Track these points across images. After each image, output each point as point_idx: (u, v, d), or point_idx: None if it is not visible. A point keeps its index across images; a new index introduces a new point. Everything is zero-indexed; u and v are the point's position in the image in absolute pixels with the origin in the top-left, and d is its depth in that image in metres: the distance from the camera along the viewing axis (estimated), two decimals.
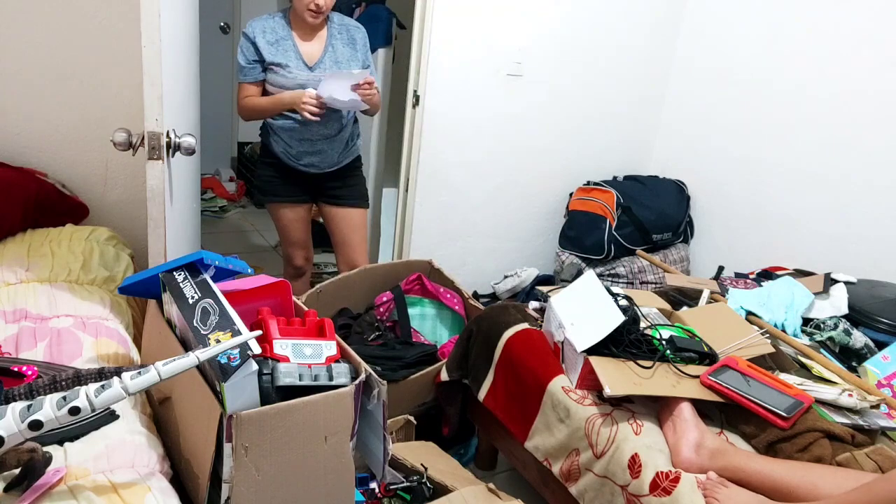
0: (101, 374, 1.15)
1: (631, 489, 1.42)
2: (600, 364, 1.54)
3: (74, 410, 0.94)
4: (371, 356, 1.94)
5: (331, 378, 1.17)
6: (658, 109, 3.30)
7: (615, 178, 3.22)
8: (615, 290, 1.88)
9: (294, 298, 1.42)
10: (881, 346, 1.93)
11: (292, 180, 2.35)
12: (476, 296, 2.89)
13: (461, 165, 2.86)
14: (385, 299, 2.24)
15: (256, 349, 1.08)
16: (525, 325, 1.87)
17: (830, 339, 1.97)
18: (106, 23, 2.08)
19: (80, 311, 1.59)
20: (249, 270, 1.42)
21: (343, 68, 2.25)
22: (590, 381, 1.58)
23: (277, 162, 2.34)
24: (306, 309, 1.36)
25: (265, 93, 2.27)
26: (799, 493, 1.28)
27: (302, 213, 2.45)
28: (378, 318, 2.20)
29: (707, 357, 1.65)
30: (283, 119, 2.27)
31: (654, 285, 2.84)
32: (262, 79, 2.25)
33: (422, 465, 1.64)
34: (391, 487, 1.59)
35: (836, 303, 2.11)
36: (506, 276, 3.05)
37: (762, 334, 1.82)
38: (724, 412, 1.55)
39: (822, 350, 1.91)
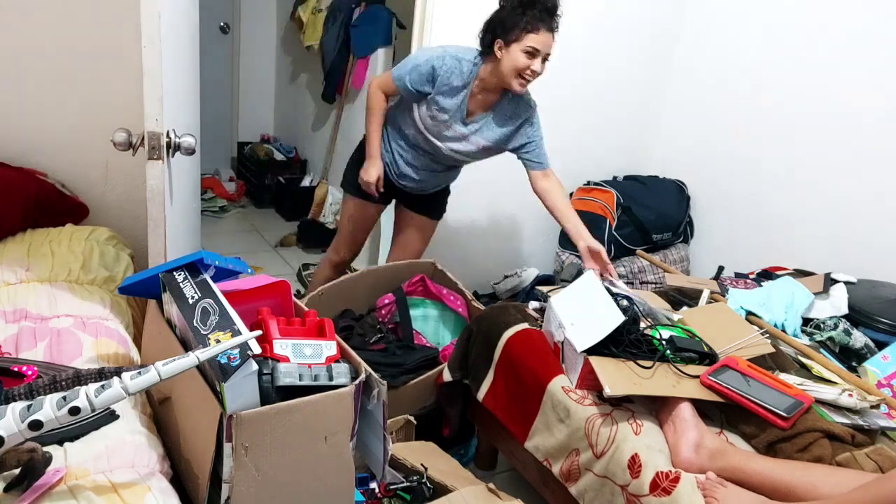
0: (101, 374, 1.15)
1: (631, 489, 1.42)
2: (600, 364, 1.54)
3: (74, 410, 0.94)
4: (372, 362, 1.93)
5: (331, 378, 1.17)
6: (658, 109, 3.30)
7: (615, 178, 3.22)
8: (619, 285, 1.88)
9: (294, 299, 1.43)
10: (881, 346, 1.93)
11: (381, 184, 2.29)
12: (476, 296, 2.89)
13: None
14: (387, 301, 2.24)
15: (256, 349, 1.08)
16: (525, 325, 1.87)
17: (830, 339, 1.97)
18: (106, 23, 2.07)
19: (80, 311, 1.59)
20: (249, 270, 1.42)
21: (493, 133, 2.15)
22: (590, 381, 1.58)
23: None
24: (306, 309, 1.37)
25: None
26: (799, 494, 1.28)
27: (373, 212, 2.44)
28: (380, 320, 2.19)
29: (707, 357, 1.65)
30: (403, 141, 2.25)
31: (654, 285, 2.84)
32: (411, 92, 2.11)
33: (422, 465, 1.64)
34: (391, 487, 1.59)
35: (836, 303, 2.11)
36: (506, 276, 3.05)
37: (762, 334, 1.82)
38: (724, 412, 1.55)
39: (822, 350, 1.91)
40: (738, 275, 2.60)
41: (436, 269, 2.46)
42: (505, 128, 2.16)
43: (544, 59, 2.00)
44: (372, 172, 2.20)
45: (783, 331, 1.97)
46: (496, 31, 1.98)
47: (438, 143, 2.17)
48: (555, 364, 1.70)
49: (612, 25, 2.99)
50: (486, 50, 2.03)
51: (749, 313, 2.02)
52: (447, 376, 1.99)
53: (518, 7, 1.93)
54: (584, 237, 2.09)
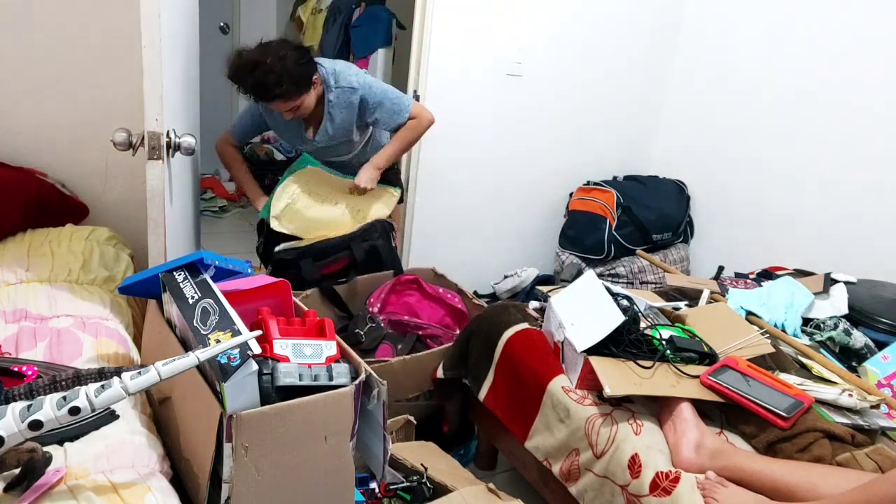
0: (101, 374, 1.15)
1: (631, 489, 1.42)
2: (600, 364, 1.54)
3: (74, 410, 0.94)
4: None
5: (331, 378, 1.17)
6: (658, 109, 3.30)
7: (615, 178, 3.22)
8: (616, 289, 1.88)
9: (294, 299, 1.42)
10: (881, 346, 1.93)
11: None
12: (476, 296, 2.89)
13: (461, 165, 2.86)
14: (374, 297, 2.26)
15: (256, 349, 1.08)
16: (525, 325, 1.87)
17: (830, 339, 1.97)
18: (106, 23, 2.07)
19: (80, 311, 1.58)
20: (249, 270, 1.42)
21: (339, 136, 2.25)
22: (590, 381, 1.58)
23: None
24: (306, 309, 1.36)
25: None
26: (799, 494, 1.28)
27: None
28: (369, 310, 2.21)
29: (707, 357, 1.65)
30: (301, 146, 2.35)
31: (654, 285, 2.84)
32: (249, 139, 2.32)
33: (422, 465, 1.64)
34: (391, 487, 1.59)
35: (836, 303, 2.11)
36: (506, 276, 3.05)
37: (762, 334, 1.82)
38: (724, 412, 1.55)
39: (822, 350, 1.91)
40: (738, 275, 2.60)
41: (435, 275, 2.47)
42: (343, 117, 2.21)
43: (292, 108, 2.09)
44: (258, 202, 2.31)
45: (783, 331, 1.97)
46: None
47: (334, 158, 2.33)
48: (555, 364, 1.70)
49: (612, 25, 2.99)
50: None
51: (749, 313, 2.02)
52: (441, 373, 1.99)
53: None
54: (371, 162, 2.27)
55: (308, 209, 2.22)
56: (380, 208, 2.33)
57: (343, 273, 2.28)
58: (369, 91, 2.20)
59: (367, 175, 2.25)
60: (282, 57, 1.96)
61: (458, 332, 2.22)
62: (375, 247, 2.28)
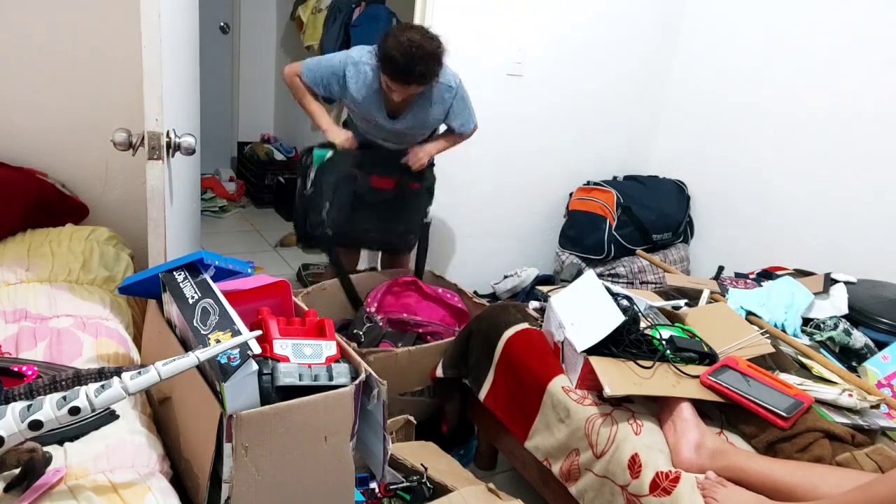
0: (101, 374, 1.15)
1: (631, 489, 1.42)
2: (600, 364, 1.54)
3: (74, 410, 0.94)
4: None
5: (331, 378, 1.17)
6: (658, 109, 3.30)
7: (615, 178, 3.22)
8: (616, 289, 1.88)
9: (294, 298, 1.43)
10: (881, 346, 1.93)
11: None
12: (476, 296, 2.89)
13: (461, 165, 2.86)
14: (370, 297, 2.26)
15: (256, 349, 1.08)
16: (525, 325, 1.87)
17: (830, 339, 1.97)
18: (106, 23, 2.07)
19: (80, 311, 1.59)
20: (249, 270, 1.42)
21: (419, 126, 2.25)
22: (590, 381, 1.58)
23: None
24: (306, 309, 1.37)
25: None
26: (799, 494, 1.28)
27: (355, 258, 2.56)
28: (366, 311, 2.22)
29: (707, 357, 1.65)
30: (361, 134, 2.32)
31: (654, 285, 2.84)
32: (317, 92, 2.21)
33: (422, 465, 1.64)
34: (391, 487, 1.59)
35: (836, 303, 2.11)
36: (506, 276, 3.05)
37: (762, 334, 1.82)
38: (724, 412, 1.55)
39: (822, 350, 1.91)
40: (738, 275, 2.60)
41: (434, 276, 2.47)
42: (434, 110, 2.22)
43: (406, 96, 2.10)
44: (340, 134, 2.21)
45: (783, 331, 1.97)
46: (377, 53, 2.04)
47: (383, 138, 2.28)
48: (555, 364, 1.70)
49: (613, 25, 2.99)
50: None
51: (749, 313, 2.02)
52: (440, 372, 2.00)
53: (382, 57, 2.01)
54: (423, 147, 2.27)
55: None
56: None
57: (384, 196, 2.25)
58: (461, 93, 2.24)
59: (419, 156, 2.25)
60: (439, 45, 2.02)
61: (458, 329, 2.23)
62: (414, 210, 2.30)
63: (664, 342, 1.64)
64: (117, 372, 1.14)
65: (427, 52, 1.97)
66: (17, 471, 0.99)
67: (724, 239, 3.07)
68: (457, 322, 2.31)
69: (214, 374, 1.08)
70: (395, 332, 2.19)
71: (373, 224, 2.25)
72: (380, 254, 2.71)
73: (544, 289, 2.01)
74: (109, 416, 1.20)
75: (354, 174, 2.21)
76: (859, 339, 1.97)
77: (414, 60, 1.95)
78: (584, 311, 1.70)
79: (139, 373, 0.99)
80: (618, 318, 1.60)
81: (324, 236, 2.20)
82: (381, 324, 2.19)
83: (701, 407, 1.52)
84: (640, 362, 1.57)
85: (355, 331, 2.14)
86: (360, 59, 2.13)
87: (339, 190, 2.19)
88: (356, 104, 2.19)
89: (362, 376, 1.20)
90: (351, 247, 2.37)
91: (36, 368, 1.25)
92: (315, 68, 2.17)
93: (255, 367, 1.08)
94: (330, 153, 2.20)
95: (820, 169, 2.64)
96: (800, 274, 2.40)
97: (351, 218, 2.22)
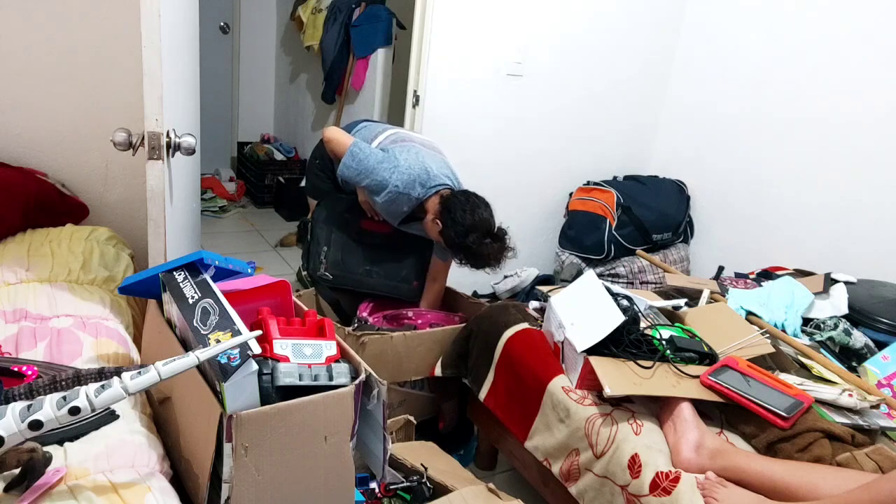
0: (101, 374, 1.15)
1: (631, 489, 1.42)
2: (600, 364, 1.54)
3: (74, 410, 0.94)
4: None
5: (331, 378, 1.17)
6: (658, 109, 3.30)
7: (615, 178, 3.22)
8: (616, 289, 1.88)
9: (294, 298, 1.43)
10: (881, 346, 1.93)
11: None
12: (476, 296, 2.89)
13: (461, 165, 2.85)
14: (363, 307, 2.26)
15: (256, 349, 1.08)
16: (525, 325, 1.87)
17: (830, 339, 1.97)
18: (106, 23, 2.07)
19: (80, 311, 1.58)
20: (249, 270, 1.42)
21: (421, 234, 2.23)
22: (590, 381, 1.58)
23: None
24: (306, 309, 1.37)
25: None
26: (799, 494, 1.28)
27: None
28: (358, 315, 2.21)
29: (707, 357, 1.65)
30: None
31: (654, 285, 2.84)
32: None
33: (422, 465, 1.64)
34: (391, 487, 1.59)
35: (836, 303, 2.11)
36: (506, 276, 3.05)
37: (762, 334, 1.82)
38: (724, 412, 1.55)
39: (822, 350, 1.91)
40: (738, 275, 2.60)
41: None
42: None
43: None
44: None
45: (783, 331, 1.97)
46: (445, 228, 2.01)
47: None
48: (555, 364, 1.70)
49: (613, 25, 2.99)
50: (440, 207, 2.03)
51: (749, 313, 2.02)
52: (438, 371, 2.00)
53: (463, 257, 2.03)
54: None
55: None
56: None
57: (379, 239, 2.23)
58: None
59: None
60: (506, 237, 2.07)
61: (457, 318, 2.21)
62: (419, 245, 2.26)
63: (664, 342, 1.64)
64: (117, 372, 1.14)
65: (504, 255, 2.04)
66: (17, 471, 0.99)
67: (724, 239, 3.07)
68: (455, 317, 2.29)
69: (214, 374, 1.08)
70: (390, 328, 2.17)
71: (373, 266, 2.23)
72: None
73: (544, 289, 2.01)
74: (109, 416, 1.20)
75: (346, 218, 2.22)
76: (859, 339, 1.97)
77: (493, 265, 2.03)
78: (584, 311, 1.70)
79: (139, 373, 0.99)
80: (618, 318, 1.60)
81: (324, 278, 2.20)
82: (371, 322, 2.17)
83: (701, 407, 1.52)
84: (640, 362, 1.57)
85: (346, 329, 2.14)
86: (403, 189, 2.03)
87: (335, 233, 2.21)
88: (372, 203, 2.13)
89: (362, 376, 1.20)
90: (354, 290, 2.25)
91: (36, 368, 1.25)
92: (352, 169, 2.04)
93: (255, 367, 1.08)
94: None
95: (820, 169, 2.64)
96: (800, 274, 2.40)
97: (349, 260, 2.21)
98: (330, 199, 2.28)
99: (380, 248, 2.24)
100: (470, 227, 1.97)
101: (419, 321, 2.18)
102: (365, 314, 2.22)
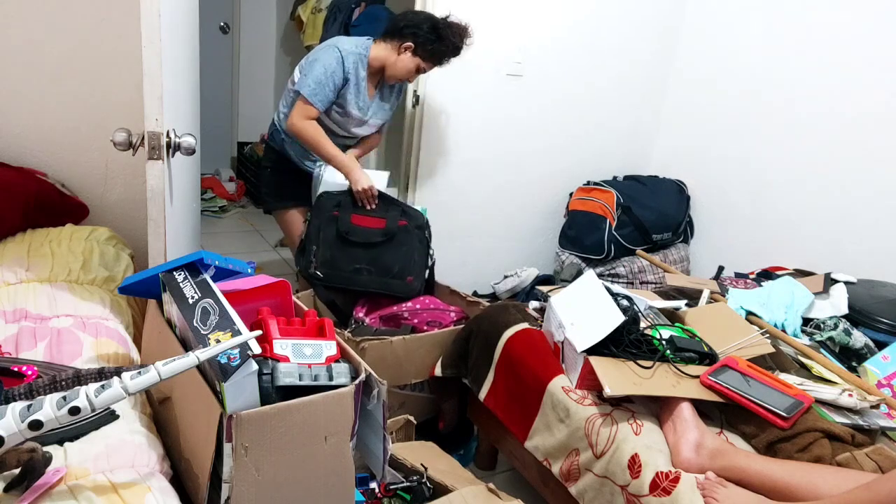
0: (101, 374, 1.15)
1: (631, 489, 1.42)
2: (600, 364, 1.54)
3: (74, 410, 0.94)
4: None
5: (331, 378, 1.17)
6: (658, 109, 3.30)
7: (615, 178, 3.22)
8: (616, 289, 1.88)
9: (294, 298, 1.42)
10: (881, 346, 1.93)
11: (299, 181, 2.42)
12: (476, 296, 2.89)
13: (461, 165, 2.86)
14: (359, 307, 2.25)
15: (256, 349, 1.08)
16: (525, 325, 1.87)
17: (830, 339, 1.97)
18: (106, 23, 2.07)
19: (80, 311, 1.58)
20: (249, 270, 1.42)
21: (378, 114, 2.38)
22: (590, 381, 1.58)
23: (287, 167, 2.40)
24: (306, 309, 1.37)
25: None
26: (799, 494, 1.28)
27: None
28: (355, 316, 2.21)
29: (707, 357, 1.65)
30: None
31: (654, 285, 2.84)
32: (329, 106, 2.27)
33: (422, 465, 1.64)
34: (391, 487, 1.59)
35: (836, 303, 2.11)
36: (506, 276, 3.05)
37: (762, 334, 1.82)
38: (724, 412, 1.55)
39: (822, 350, 1.91)
40: (738, 275, 2.60)
41: (450, 293, 2.45)
42: (389, 102, 2.41)
43: None
44: (363, 179, 2.24)
45: (783, 331, 1.97)
46: (416, 41, 2.21)
47: (343, 133, 2.37)
48: (555, 364, 1.70)
49: (613, 25, 2.99)
50: (391, 39, 2.25)
51: (749, 313, 2.02)
52: (438, 371, 2.00)
53: (445, 49, 2.24)
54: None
55: None
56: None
57: (369, 236, 2.25)
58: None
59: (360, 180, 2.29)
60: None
61: (452, 313, 2.21)
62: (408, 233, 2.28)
63: (664, 342, 1.64)
64: (117, 372, 1.14)
65: (468, 31, 2.26)
66: (17, 471, 0.99)
67: (723, 239, 3.07)
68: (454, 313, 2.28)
69: (214, 374, 1.08)
70: (387, 328, 2.17)
71: (364, 264, 2.23)
72: None
73: (544, 289, 2.01)
74: (109, 416, 1.20)
75: (336, 215, 2.23)
76: (859, 339, 1.97)
77: (465, 42, 2.26)
78: (584, 311, 1.70)
79: (139, 373, 0.99)
80: (618, 318, 1.60)
81: (315, 276, 2.20)
82: (368, 323, 2.17)
83: (701, 407, 1.52)
84: (640, 362, 1.57)
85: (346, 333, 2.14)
86: (355, 49, 2.23)
87: (324, 231, 2.21)
88: (346, 101, 2.26)
89: (362, 376, 1.20)
90: (346, 287, 2.26)
91: (36, 368, 1.25)
92: (321, 90, 2.19)
93: (255, 367, 1.08)
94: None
95: (820, 169, 2.64)
96: (800, 274, 2.40)
97: (338, 258, 2.21)
98: (320, 199, 2.27)
99: (371, 245, 2.24)
100: (428, 22, 2.21)
101: (416, 320, 2.18)
102: (361, 315, 2.22)
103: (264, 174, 2.48)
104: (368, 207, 2.25)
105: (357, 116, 2.30)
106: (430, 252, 2.33)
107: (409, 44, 2.21)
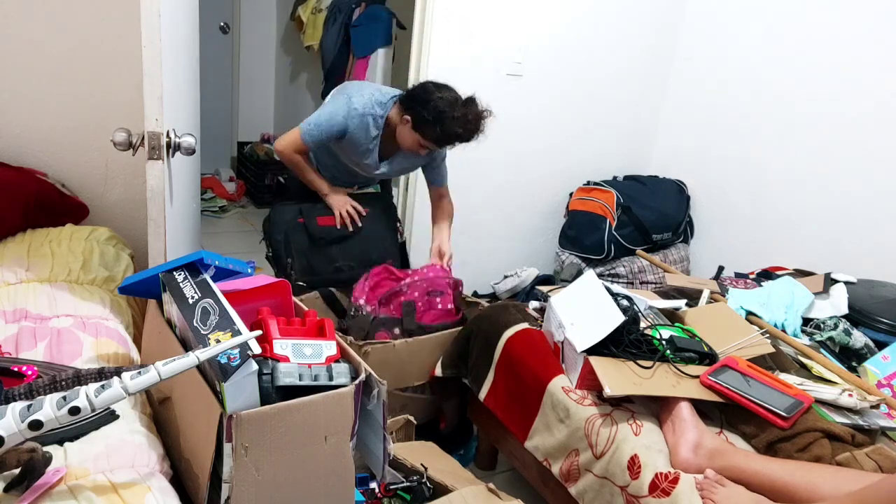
0: (101, 374, 1.15)
1: (630, 490, 1.42)
2: (600, 364, 1.54)
3: (74, 410, 0.94)
4: None
5: (331, 378, 1.17)
6: (658, 109, 3.30)
7: (615, 178, 3.22)
8: (616, 289, 1.88)
9: (294, 298, 1.42)
10: (881, 346, 1.93)
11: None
12: (476, 296, 2.89)
13: (461, 165, 2.85)
14: (357, 291, 2.24)
15: (256, 349, 1.08)
16: (525, 325, 1.87)
17: (830, 339, 1.97)
18: (106, 23, 2.07)
19: (80, 311, 1.58)
20: (249, 270, 1.42)
21: (409, 166, 2.29)
22: (590, 381, 1.58)
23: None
24: (306, 309, 1.37)
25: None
26: (799, 494, 1.28)
27: None
28: (354, 304, 2.20)
29: (707, 357, 1.65)
30: (329, 170, 2.32)
31: (654, 285, 2.84)
32: (323, 145, 2.18)
33: (422, 465, 1.64)
34: (391, 487, 1.59)
35: (836, 303, 2.11)
36: (506, 276, 3.05)
37: (762, 334, 1.82)
38: (724, 412, 1.55)
39: (822, 350, 1.91)
40: (738, 275, 2.60)
41: None
42: (418, 159, 2.23)
43: None
44: (340, 200, 2.22)
45: (783, 331, 1.97)
46: (414, 119, 2.00)
47: (364, 173, 2.27)
48: (555, 364, 1.70)
49: (613, 25, 2.99)
50: (401, 103, 2.06)
51: (749, 313, 2.02)
52: (439, 371, 1.99)
53: (445, 137, 2.01)
54: (437, 239, 2.28)
55: None
56: None
57: (339, 232, 2.24)
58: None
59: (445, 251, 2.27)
60: (486, 109, 2.10)
61: (449, 280, 2.18)
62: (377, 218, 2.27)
63: (664, 342, 1.64)
64: (117, 372, 1.14)
65: (483, 121, 2.05)
66: (17, 471, 0.99)
67: (723, 239, 3.07)
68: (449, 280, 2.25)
69: (214, 374, 1.08)
70: (387, 317, 2.13)
71: (342, 261, 2.22)
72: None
73: (544, 289, 2.01)
74: (109, 416, 1.20)
75: (302, 222, 2.21)
76: (859, 339, 1.97)
77: (476, 132, 2.04)
78: (584, 311, 1.70)
79: (139, 373, 0.99)
80: (618, 318, 1.60)
81: (298, 287, 2.18)
82: (367, 311, 2.14)
83: (701, 407, 1.52)
84: (640, 362, 1.57)
85: (343, 325, 2.13)
86: (364, 110, 2.06)
87: (294, 241, 2.19)
88: (350, 150, 2.15)
89: (362, 376, 1.20)
90: (332, 287, 2.25)
91: (36, 368, 1.25)
92: (317, 132, 2.09)
93: (255, 367, 1.08)
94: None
95: (820, 169, 2.64)
96: (800, 274, 2.40)
97: (315, 263, 2.20)
98: (274, 212, 2.24)
99: (342, 240, 2.23)
100: (437, 100, 1.96)
101: (415, 293, 2.12)
102: (361, 301, 2.20)
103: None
104: (351, 229, 2.23)
105: (364, 166, 2.20)
106: (400, 229, 2.35)
107: (408, 117, 2.02)
